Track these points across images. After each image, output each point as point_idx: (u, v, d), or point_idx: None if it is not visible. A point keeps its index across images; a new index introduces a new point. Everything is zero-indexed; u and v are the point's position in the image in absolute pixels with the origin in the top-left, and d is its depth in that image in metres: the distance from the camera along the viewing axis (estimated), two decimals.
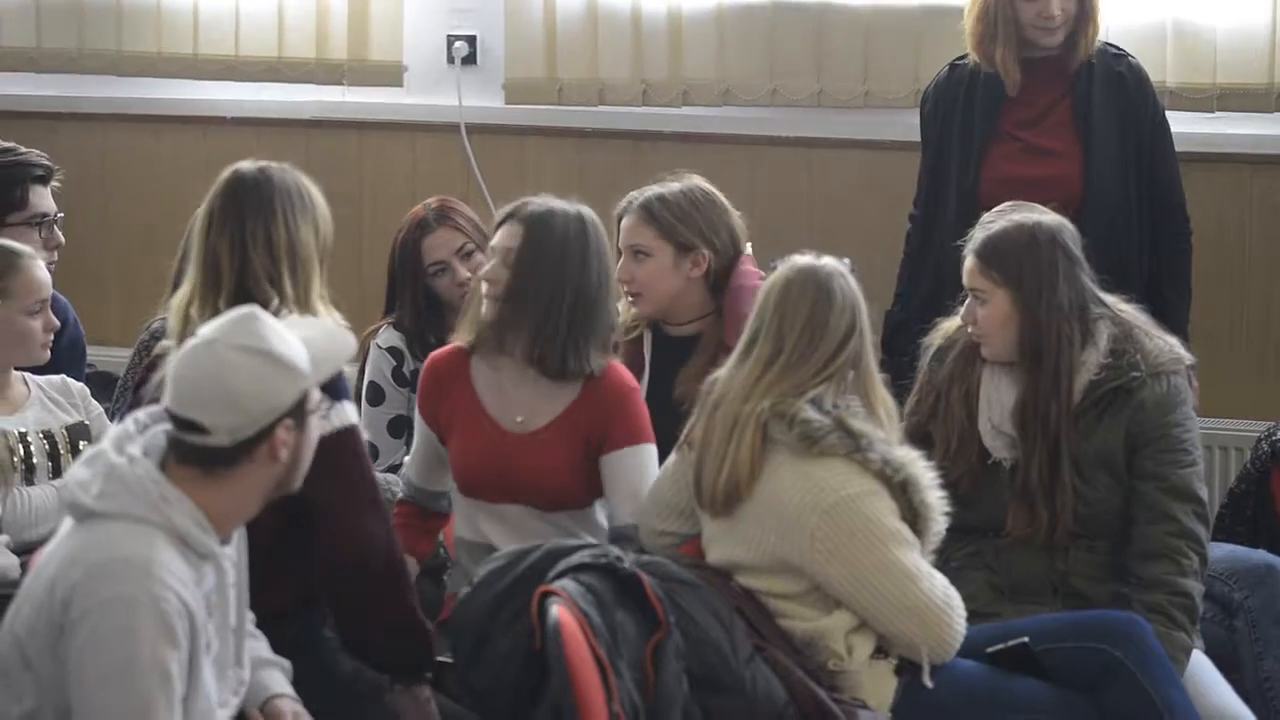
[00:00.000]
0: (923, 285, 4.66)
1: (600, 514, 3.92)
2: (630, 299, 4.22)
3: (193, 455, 2.96)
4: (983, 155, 4.62)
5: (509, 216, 3.86)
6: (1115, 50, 4.66)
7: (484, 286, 3.87)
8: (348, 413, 3.39)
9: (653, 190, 4.24)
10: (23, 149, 4.53)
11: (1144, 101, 4.62)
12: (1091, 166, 4.55)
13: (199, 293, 3.45)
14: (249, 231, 3.45)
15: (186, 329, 3.38)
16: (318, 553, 3.39)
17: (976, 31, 4.60)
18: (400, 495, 4.05)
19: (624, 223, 4.24)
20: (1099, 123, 4.57)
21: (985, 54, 4.59)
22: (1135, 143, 4.59)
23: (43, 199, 4.48)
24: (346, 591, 3.42)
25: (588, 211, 3.87)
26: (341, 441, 3.35)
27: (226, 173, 3.56)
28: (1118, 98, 4.59)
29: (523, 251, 3.79)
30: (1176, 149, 4.87)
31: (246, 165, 3.56)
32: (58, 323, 4.06)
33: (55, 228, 4.48)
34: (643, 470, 3.85)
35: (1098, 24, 4.57)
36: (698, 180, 4.28)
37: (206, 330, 2.99)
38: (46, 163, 4.52)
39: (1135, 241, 4.54)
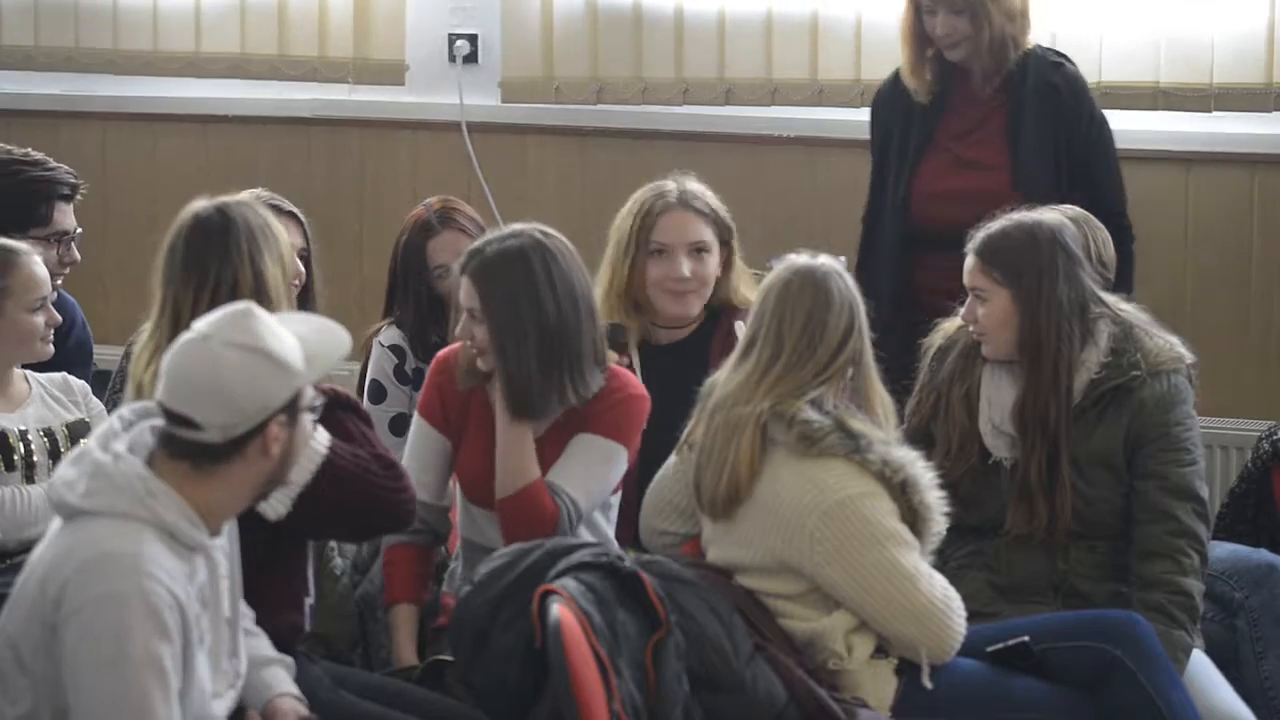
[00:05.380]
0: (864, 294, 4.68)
1: (600, 518, 3.88)
2: (682, 296, 4.14)
3: (183, 450, 2.96)
4: (916, 167, 4.66)
5: (462, 270, 3.79)
6: (1054, 58, 4.67)
7: (467, 343, 3.79)
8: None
9: (686, 186, 4.20)
10: (53, 163, 4.51)
11: (1079, 111, 4.62)
12: (1020, 179, 4.56)
13: (164, 341, 3.33)
14: (214, 278, 3.42)
15: (144, 381, 3.37)
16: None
17: (904, 54, 4.68)
18: (396, 540, 3.88)
19: (679, 219, 4.15)
20: (1029, 134, 4.59)
21: (914, 74, 4.67)
22: (1068, 153, 4.61)
23: (66, 216, 4.48)
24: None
25: (530, 238, 3.75)
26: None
27: (185, 217, 3.50)
28: (1051, 108, 4.60)
29: (484, 310, 3.73)
30: (1174, 149, 4.90)
31: (203, 206, 3.51)
32: (59, 318, 4.06)
33: (73, 245, 4.48)
34: (598, 460, 3.77)
35: (1004, 36, 4.55)
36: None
37: (201, 325, 2.98)
38: (74, 180, 4.50)
39: None
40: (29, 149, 4.57)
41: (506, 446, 3.74)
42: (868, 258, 4.75)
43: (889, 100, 4.79)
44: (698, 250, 4.17)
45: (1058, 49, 4.78)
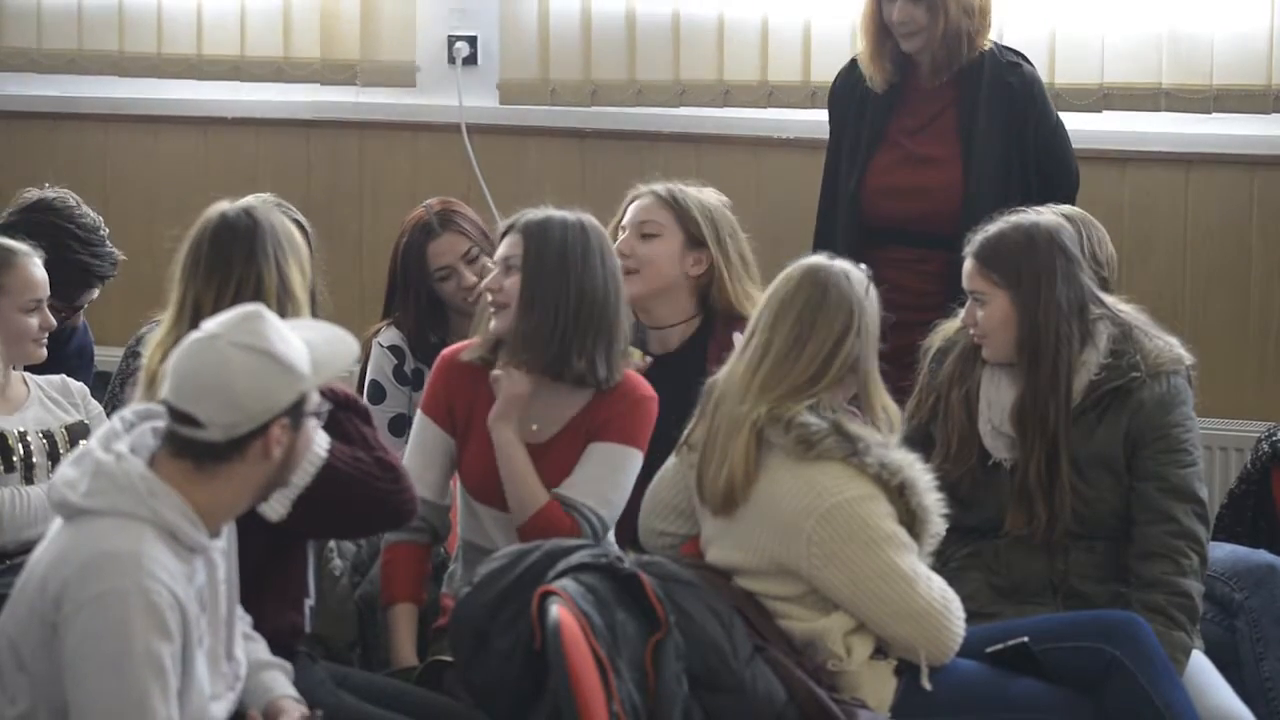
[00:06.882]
0: None
1: None
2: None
3: (186, 448, 2.97)
4: (868, 162, 4.67)
5: (509, 228, 3.83)
6: (1011, 58, 4.69)
7: (487, 296, 3.83)
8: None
9: (676, 184, 4.24)
10: (106, 245, 4.52)
11: (1032, 110, 4.64)
12: (971, 176, 4.58)
13: (183, 336, 3.26)
14: (239, 279, 3.42)
15: (157, 372, 3.36)
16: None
17: (863, 43, 4.69)
18: (396, 538, 3.89)
19: (637, 203, 4.22)
20: (982, 132, 4.60)
21: (873, 63, 4.67)
22: (1020, 154, 4.62)
23: (89, 297, 4.51)
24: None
25: (589, 218, 3.83)
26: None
27: (212, 216, 3.50)
28: (1005, 108, 4.61)
29: (524, 259, 3.76)
30: (1174, 150, 4.87)
31: (230, 208, 3.51)
32: (54, 323, 4.06)
33: (80, 314, 4.53)
34: (614, 467, 3.78)
35: (959, 30, 4.57)
36: (722, 198, 4.31)
37: (210, 325, 3.00)
38: (113, 271, 4.54)
39: None
40: (90, 214, 4.54)
41: (507, 477, 3.76)
42: (821, 252, 4.75)
43: (844, 91, 4.80)
44: (641, 232, 4.19)
45: (1014, 48, 4.78)
